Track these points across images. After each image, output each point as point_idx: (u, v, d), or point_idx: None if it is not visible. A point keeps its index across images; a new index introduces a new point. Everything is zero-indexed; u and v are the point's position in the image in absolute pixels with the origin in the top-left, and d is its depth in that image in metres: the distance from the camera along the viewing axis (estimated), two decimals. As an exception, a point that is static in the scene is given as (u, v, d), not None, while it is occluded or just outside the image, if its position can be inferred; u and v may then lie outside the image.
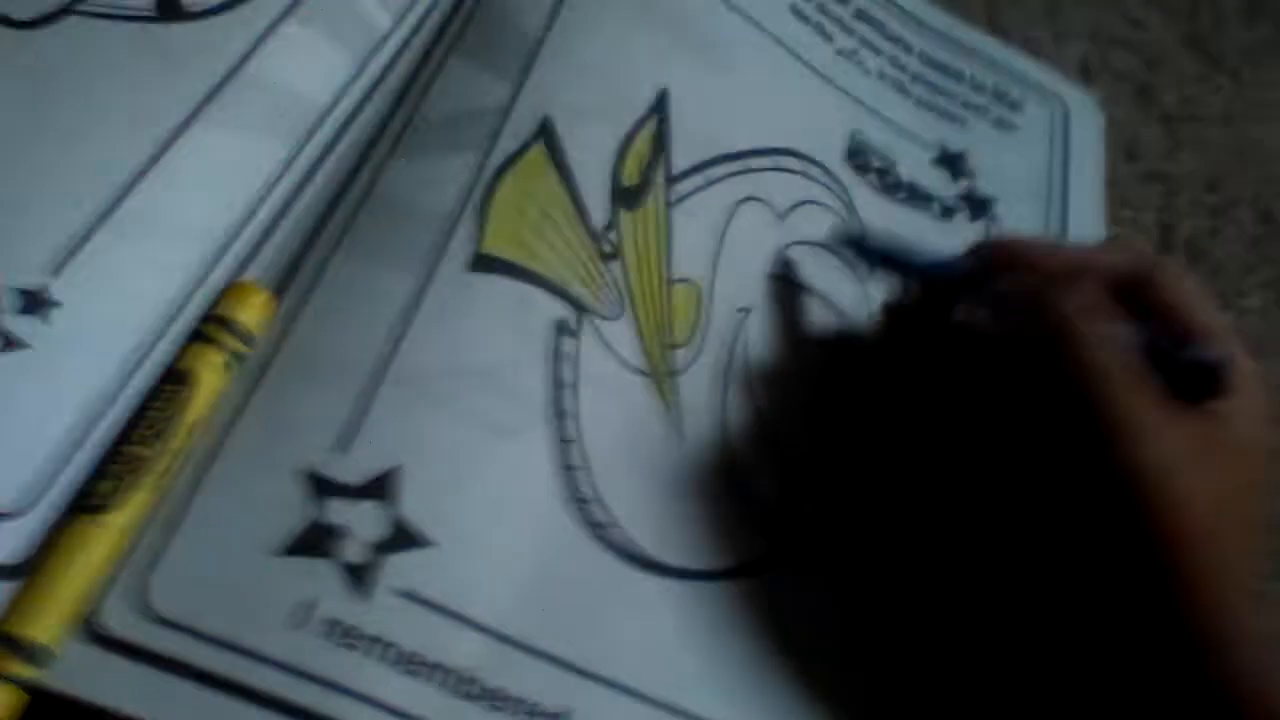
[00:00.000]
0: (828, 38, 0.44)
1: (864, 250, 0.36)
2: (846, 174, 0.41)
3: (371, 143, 0.33)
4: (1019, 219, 0.43)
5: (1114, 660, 0.27)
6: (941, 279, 0.34)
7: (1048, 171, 0.44)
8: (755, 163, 0.39)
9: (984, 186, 0.43)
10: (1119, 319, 0.28)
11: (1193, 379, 0.28)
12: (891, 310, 0.36)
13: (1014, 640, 0.30)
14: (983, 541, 0.31)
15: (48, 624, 0.23)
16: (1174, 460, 0.26)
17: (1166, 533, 0.26)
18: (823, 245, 0.38)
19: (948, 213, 0.42)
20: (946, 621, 0.31)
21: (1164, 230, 0.44)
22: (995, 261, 0.33)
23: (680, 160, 0.37)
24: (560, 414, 0.31)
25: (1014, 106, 0.46)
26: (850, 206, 0.40)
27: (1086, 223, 0.43)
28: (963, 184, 0.43)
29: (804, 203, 0.39)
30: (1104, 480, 0.27)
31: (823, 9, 0.44)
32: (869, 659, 0.30)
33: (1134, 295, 0.29)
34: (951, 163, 0.43)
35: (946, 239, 0.40)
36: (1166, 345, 0.28)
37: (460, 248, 0.32)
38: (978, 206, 0.42)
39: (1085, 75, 0.49)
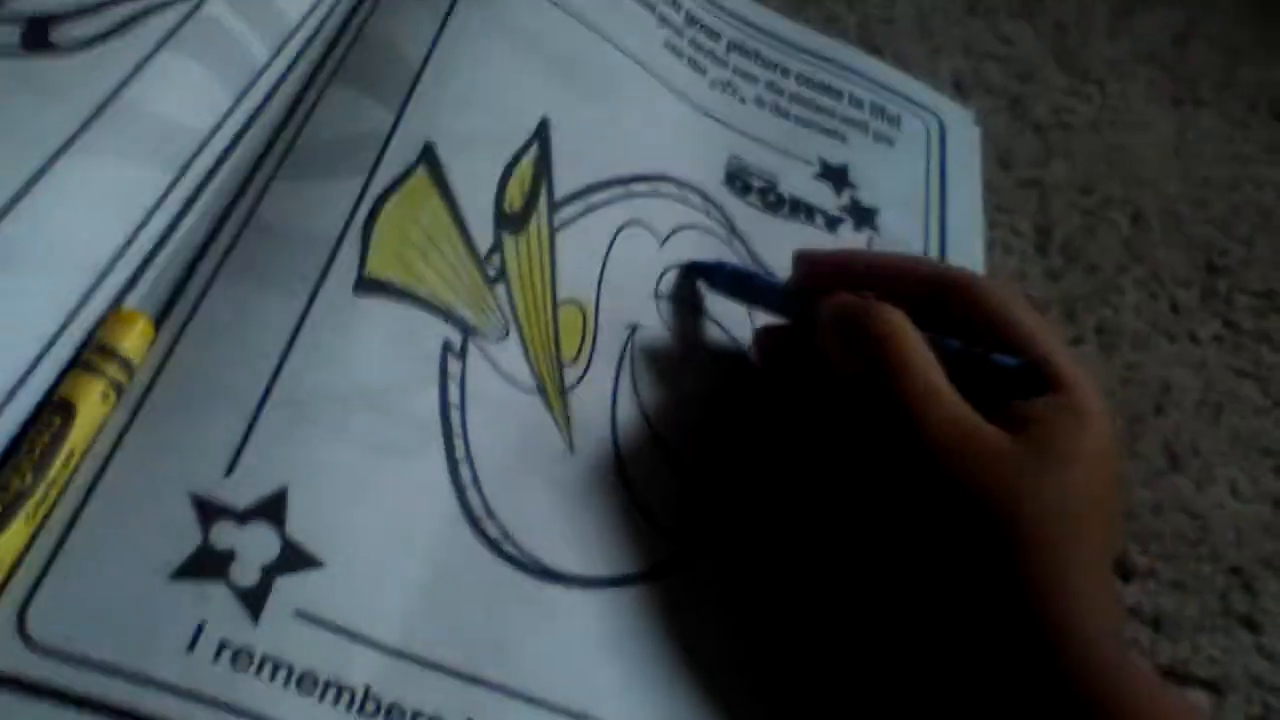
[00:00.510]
0: (701, 71, 0.46)
1: (711, 281, 0.38)
2: (726, 197, 0.42)
3: (253, 169, 0.34)
4: (901, 228, 0.44)
5: (973, 657, 0.27)
6: (775, 300, 0.36)
7: (925, 182, 0.46)
8: (635, 188, 0.40)
9: (867, 197, 0.45)
10: (928, 334, 0.30)
11: (1009, 380, 0.29)
12: (761, 335, 0.37)
13: (893, 640, 0.31)
14: (857, 544, 0.32)
15: (-79, 660, 0.22)
16: (989, 463, 0.27)
17: (1006, 538, 0.26)
18: (709, 272, 0.39)
19: (833, 224, 0.43)
20: (837, 620, 0.32)
21: (1041, 233, 0.46)
22: (800, 277, 0.35)
23: (563, 186, 0.38)
24: (449, 434, 0.31)
25: (892, 121, 0.48)
26: (731, 228, 0.41)
27: (964, 229, 0.46)
28: (846, 196, 0.45)
29: (684, 227, 0.40)
30: (936, 493, 0.27)
31: (695, 44, 0.46)
32: (769, 659, 0.31)
33: (944, 304, 0.31)
34: (834, 176, 0.45)
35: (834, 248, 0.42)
36: (978, 352, 0.29)
37: (344, 271, 0.32)
38: (862, 216, 0.44)
39: (959, 90, 0.51)
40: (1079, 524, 0.27)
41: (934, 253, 0.44)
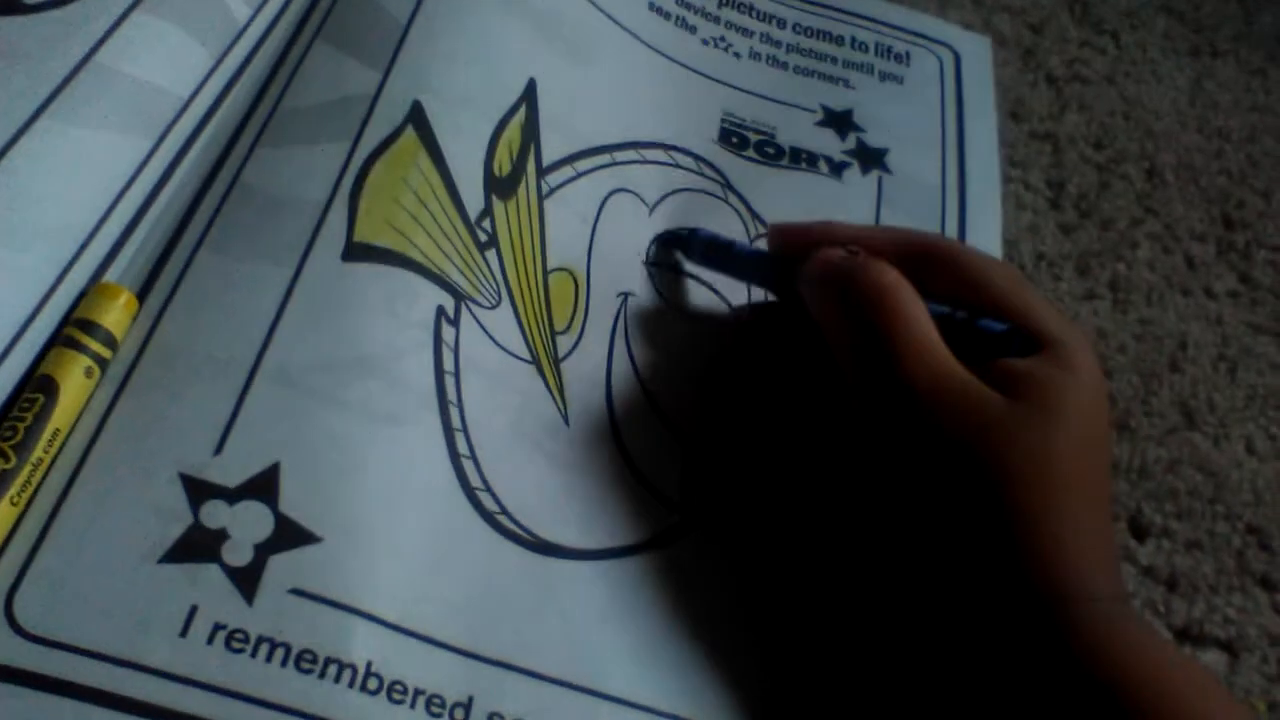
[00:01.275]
0: (690, 30, 0.45)
1: (687, 251, 0.37)
2: (720, 155, 0.41)
3: (235, 134, 0.33)
4: (914, 165, 0.43)
5: (968, 615, 0.27)
6: (755, 268, 0.35)
7: (940, 117, 0.45)
8: (621, 155, 0.39)
9: (874, 139, 0.44)
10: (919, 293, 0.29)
11: (997, 342, 0.29)
12: (756, 309, 0.37)
13: (892, 601, 0.31)
14: (856, 507, 0.32)
15: (-94, 650, 0.22)
16: (980, 420, 0.27)
17: (998, 494, 0.26)
18: (681, 241, 0.38)
19: (837, 169, 0.42)
20: (837, 584, 0.32)
21: (1054, 187, 0.45)
22: (772, 245, 0.34)
23: (550, 152, 0.37)
24: (445, 402, 0.30)
25: (900, 59, 0.47)
26: (726, 185, 0.40)
27: (982, 161, 0.44)
28: (852, 139, 0.43)
29: (673, 191, 0.39)
30: (928, 449, 0.27)
31: (684, 3, 0.45)
32: (771, 624, 0.30)
33: (926, 273, 0.30)
34: (837, 121, 0.44)
35: (841, 194, 0.41)
36: (964, 316, 0.29)
37: (332, 237, 0.31)
38: (869, 158, 0.43)
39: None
40: (1070, 478, 0.27)
41: (952, 187, 0.43)
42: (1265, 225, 0.46)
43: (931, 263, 0.31)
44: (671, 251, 0.37)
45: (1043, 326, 0.29)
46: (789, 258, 0.33)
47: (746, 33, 0.46)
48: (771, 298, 0.36)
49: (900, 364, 0.28)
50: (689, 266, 0.37)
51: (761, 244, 0.39)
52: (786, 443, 0.34)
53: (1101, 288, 0.42)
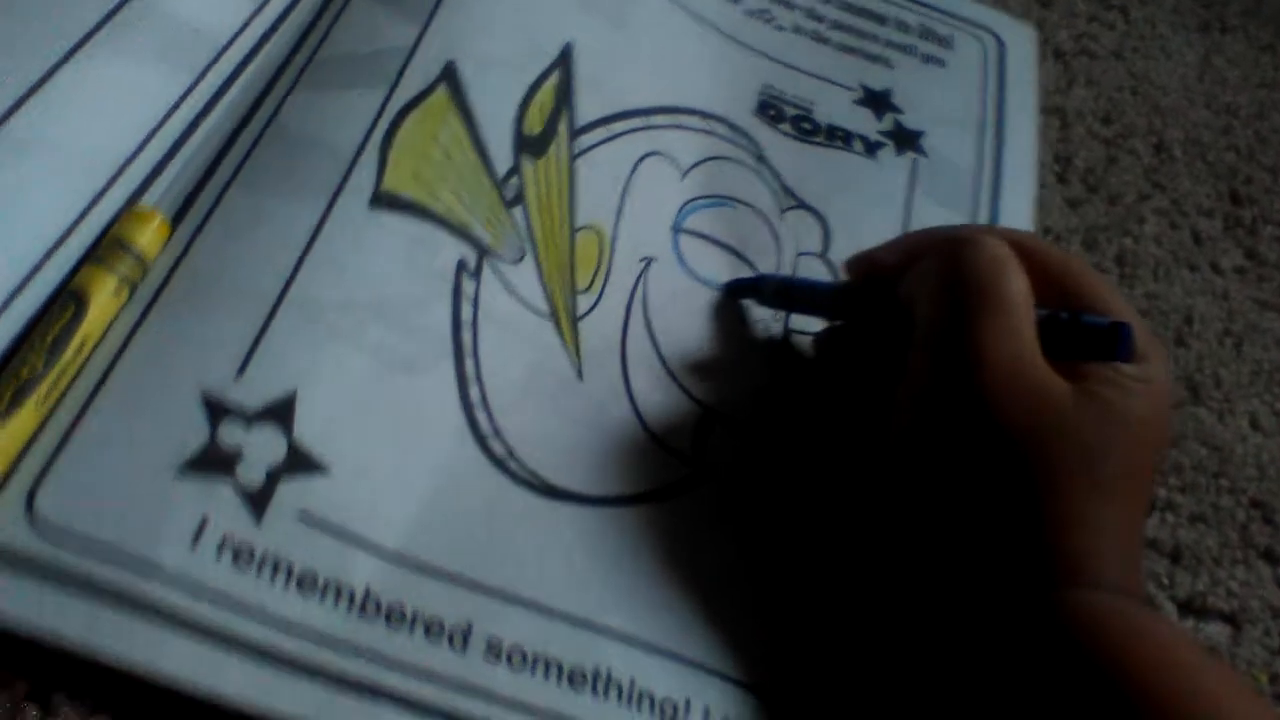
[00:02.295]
0: (734, 0, 0.45)
1: (761, 296, 0.36)
2: (756, 127, 0.41)
3: (274, 78, 0.33)
4: (951, 148, 0.43)
5: (979, 590, 0.27)
6: (828, 302, 0.35)
7: (981, 101, 0.45)
8: (657, 120, 0.39)
9: (912, 120, 0.44)
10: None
11: (1094, 341, 0.28)
12: (822, 339, 0.36)
13: (902, 568, 0.31)
14: (874, 476, 0.32)
15: (-72, 533, 0.22)
16: (1042, 403, 0.27)
17: (1036, 474, 0.26)
18: (725, 199, 0.38)
19: (872, 149, 0.42)
20: (845, 548, 0.32)
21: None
22: (851, 271, 0.34)
23: (584, 114, 0.38)
24: (460, 352, 0.31)
25: (943, 42, 0.47)
26: (759, 157, 0.41)
27: (1021, 149, 0.44)
28: (889, 120, 0.44)
29: (707, 159, 0.40)
30: (978, 418, 0.27)
31: None
32: (772, 581, 0.31)
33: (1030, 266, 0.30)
34: (875, 101, 0.44)
35: (874, 174, 0.42)
36: (1067, 317, 0.28)
37: (361, 184, 0.32)
38: (904, 140, 0.43)
39: None
40: (1114, 482, 0.27)
41: (987, 174, 0.43)
42: (1273, 201, 0.46)
43: (1035, 262, 0.30)
44: (737, 299, 0.37)
45: (1140, 335, 0.29)
46: (878, 279, 0.32)
47: (790, 6, 0.46)
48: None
49: (992, 335, 0.27)
50: (725, 237, 0.38)
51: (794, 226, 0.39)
52: (800, 412, 0.35)
53: (1108, 262, 0.42)
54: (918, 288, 0.30)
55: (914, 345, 0.30)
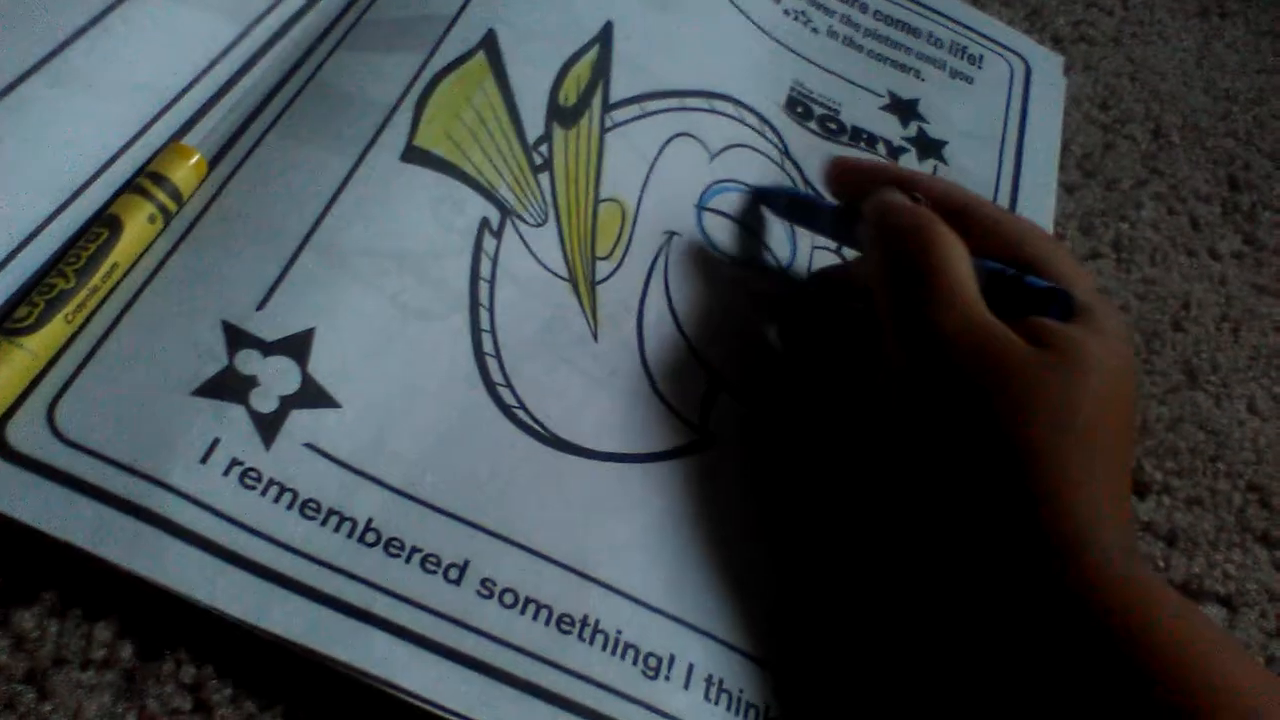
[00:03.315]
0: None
1: (772, 203, 0.39)
2: (785, 121, 0.42)
3: (320, 36, 0.35)
4: (971, 161, 0.44)
5: (981, 567, 0.27)
6: (826, 221, 0.36)
7: (1003, 120, 0.46)
8: (691, 102, 0.40)
9: (936, 130, 0.45)
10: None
11: (1038, 300, 0.29)
12: (816, 278, 0.38)
13: (903, 544, 0.31)
14: (874, 450, 0.33)
15: (-45, 429, 0.24)
16: (1011, 367, 0.27)
17: (1007, 438, 0.26)
18: (749, 187, 0.39)
19: (895, 153, 0.43)
20: (847, 518, 0.32)
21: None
22: (829, 176, 0.35)
23: (619, 90, 0.39)
24: (476, 304, 0.32)
25: (974, 60, 0.48)
26: (785, 151, 0.41)
27: (1040, 168, 0.45)
28: (914, 127, 0.44)
29: (736, 145, 0.40)
30: (947, 385, 0.28)
31: None
32: (771, 546, 0.31)
33: (967, 231, 0.31)
34: (902, 108, 0.45)
35: None
36: (1012, 273, 0.30)
37: (393, 138, 0.33)
38: (927, 147, 0.44)
39: (976, 2, 0.51)
40: (1092, 435, 0.27)
41: (1006, 188, 0.44)
42: (1271, 187, 0.46)
43: (976, 221, 0.31)
44: (756, 204, 0.39)
45: (1080, 293, 0.29)
46: (855, 207, 0.34)
47: (828, 11, 0.47)
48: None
49: (932, 305, 0.28)
50: (748, 217, 0.39)
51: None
52: (810, 389, 0.35)
53: (1105, 247, 0.42)
54: (871, 248, 0.32)
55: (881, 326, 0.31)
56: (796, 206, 0.38)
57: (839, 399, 0.35)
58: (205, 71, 0.31)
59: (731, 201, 0.39)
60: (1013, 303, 0.29)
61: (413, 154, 0.33)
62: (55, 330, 0.26)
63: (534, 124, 0.36)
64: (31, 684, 0.24)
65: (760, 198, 0.39)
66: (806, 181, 0.41)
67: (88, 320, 0.27)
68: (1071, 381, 0.27)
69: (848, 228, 0.35)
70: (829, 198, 0.37)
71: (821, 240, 0.39)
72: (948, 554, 0.28)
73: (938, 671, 0.29)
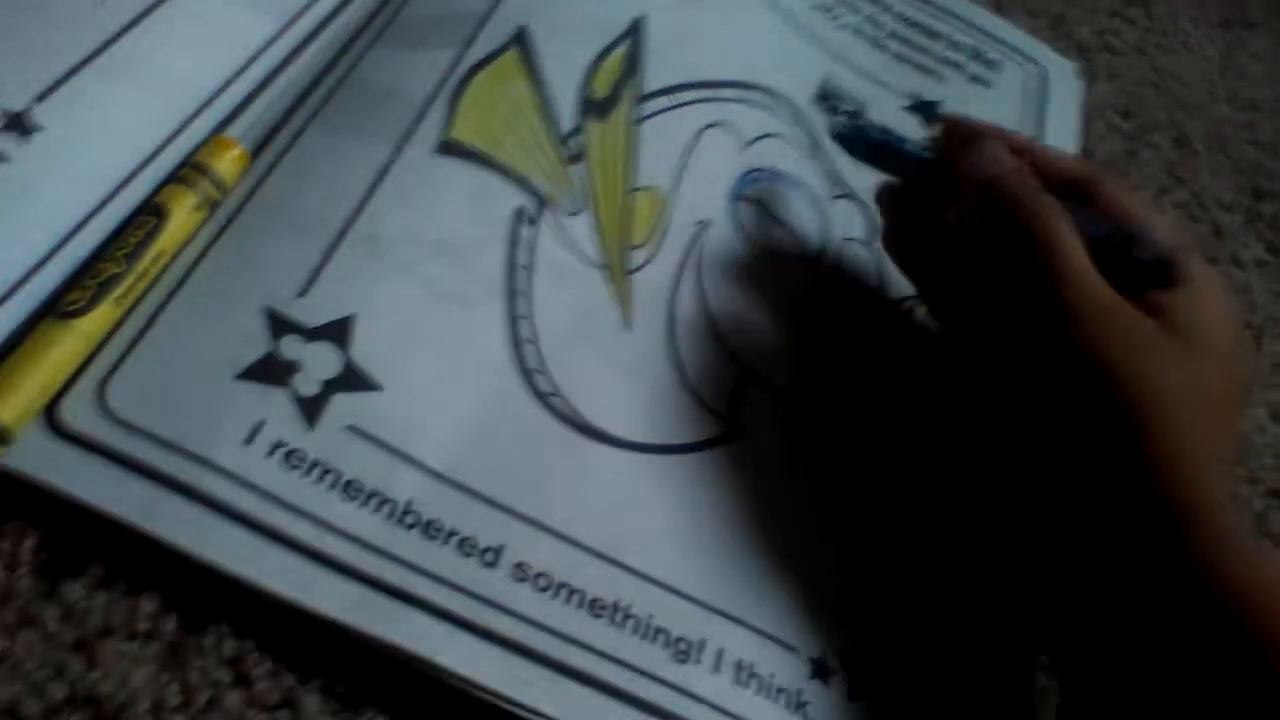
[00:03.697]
0: (802, -5, 0.47)
1: (857, 141, 0.37)
2: (814, 114, 0.43)
3: (357, 33, 0.35)
4: None
5: (1088, 536, 0.28)
6: (919, 166, 0.36)
7: (1019, 126, 0.46)
8: (724, 93, 0.41)
9: None
10: (1077, 210, 0.30)
11: (1146, 272, 0.29)
12: (884, 195, 0.37)
13: (993, 519, 0.32)
14: (959, 416, 0.33)
15: (11, 406, 0.25)
16: (1133, 343, 0.27)
17: (1130, 412, 0.27)
18: (782, 174, 0.39)
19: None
20: (922, 502, 0.33)
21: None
22: (947, 138, 0.34)
23: (652, 81, 0.39)
24: (513, 292, 0.32)
25: (992, 66, 0.49)
26: (816, 144, 0.42)
27: None
28: (935, 128, 0.45)
29: (769, 135, 0.41)
30: (1067, 361, 0.28)
31: None
32: (796, 536, 0.32)
33: (1078, 195, 0.31)
34: (925, 110, 0.45)
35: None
36: (1120, 239, 0.29)
37: (429, 131, 0.34)
38: None
39: (999, 9, 0.51)
40: (1208, 413, 0.27)
41: None
42: None
43: (1088, 188, 0.31)
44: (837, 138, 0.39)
45: (1190, 264, 0.30)
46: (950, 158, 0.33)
47: (854, 9, 0.48)
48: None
49: (1056, 284, 0.28)
50: (781, 208, 0.39)
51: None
52: (840, 384, 0.35)
53: None
54: (969, 211, 0.31)
55: (982, 295, 0.31)
56: (882, 150, 0.37)
57: (876, 389, 0.35)
58: (246, 67, 0.32)
59: (764, 191, 0.39)
60: (1122, 270, 0.29)
61: (448, 147, 0.34)
62: (105, 313, 0.27)
63: (567, 117, 0.36)
64: (80, 652, 0.24)
65: (842, 135, 0.38)
66: (836, 175, 0.42)
67: (136, 304, 0.28)
68: (1198, 365, 0.27)
69: (938, 177, 0.34)
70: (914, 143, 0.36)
71: (854, 232, 0.40)
72: (1056, 528, 0.29)
73: (994, 649, 0.29)
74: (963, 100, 0.46)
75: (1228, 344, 0.29)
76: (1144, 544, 0.26)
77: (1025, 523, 0.30)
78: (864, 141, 0.37)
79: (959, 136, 0.34)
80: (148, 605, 0.25)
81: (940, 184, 0.34)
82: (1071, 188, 0.31)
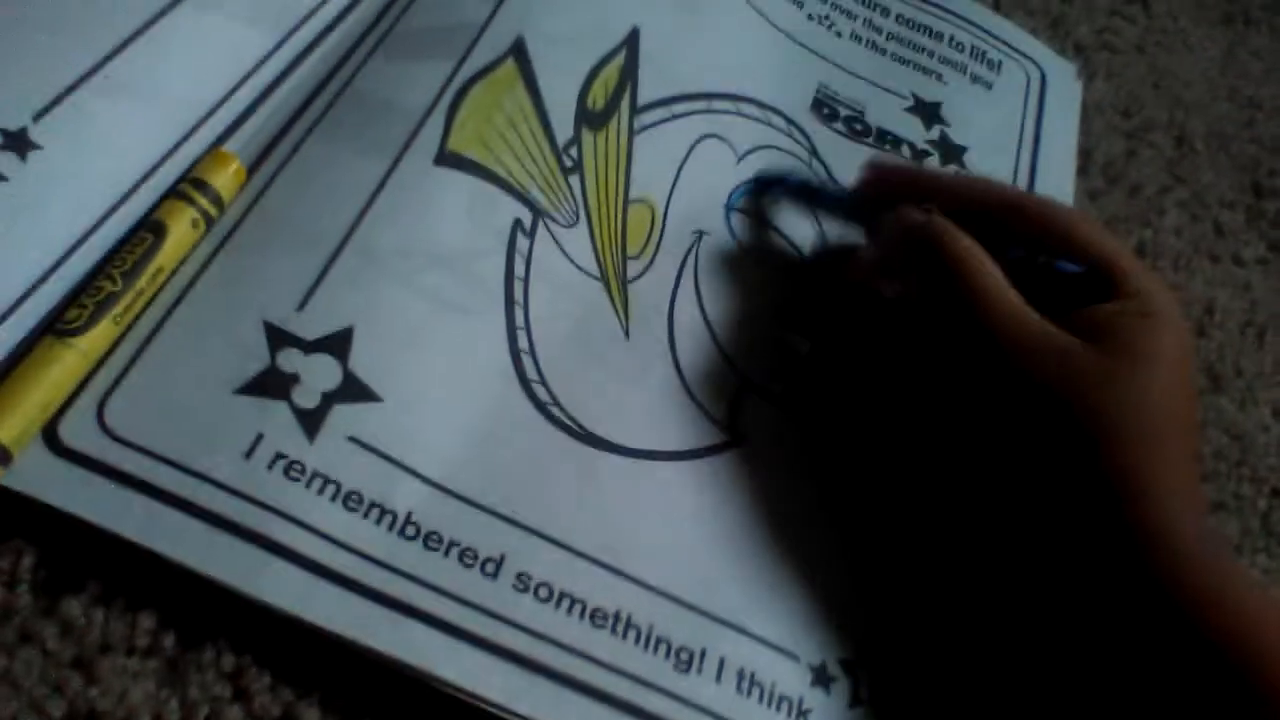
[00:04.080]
0: (798, 4, 0.47)
1: (785, 188, 0.39)
2: (811, 122, 0.43)
3: (354, 45, 0.36)
4: (990, 167, 0.45)
5: (1060, 554, 0.28)
6: (842, 207, 0.37)
7: (1020, 127, 0.46)
8: (718, 105, 0.41)
9: (958, 135, 0.45)
10: (1002, 245, 0.30)
11: (1076, 285, 0.29)
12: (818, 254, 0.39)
13: (961, 544, 0.32)
14: (925, 452, 0.33)
15: (10, 426, 0.25)
16: (1070, 368, 0.27)
17: (1091, 437, 0.27)
18: (777, 182, 0.39)
19: (918, 156, 0.44)
20: (882, 524, 0.33)
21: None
22: (867, 184, 0.35)
23: (646, 93, 0.39)
24: (511, 302, 0.33)
25: (992, 66, 0.48)
26: (812, 151, 0.42)
27: (1055, 175, 0.45)
28: (936, 131, 0.45)
29: (763, 147, 0.41)
30: (1012, 394, 0.28)
31: None
32: (796, 544, 0.32)
33: (1008, 223, 0.31)
34: (925, 111, 0.45)
35: None
36: (1042, 260, 0.30)
37: (427, 143, 0.34)
38: (950, 152, 0.44)
39: (997, 8, 0.51)
40: (1162, 423, 0.27)
41: None
42: None
43: (1015, 213, 0.32)
44: (763, 191, 0.39)
45: (1124, 272, 0.30)
46: (874, 199, 0.35)
47: (850, 15, 0.48)
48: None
49: (982, 316, 0.29)
50: (775, 218, 0.39)
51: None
52: (838, 391, 0.35)
53: None
54: (892, 258, 0.33)
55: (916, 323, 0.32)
56: (808, 193, 0.38)
57: (871, 398, 0.35)
58: (243, 81, 0.32)
59: (758, 202, 0.39)
60: (1053, 291, 0.29)
61: (446, 158, 0.34)
62: (104, 331, 0.27)
63: (563, 127, 0.37)
64: (79, 669, 0.24)
65: (769, 183, 0.39)
66: (834, 181, 0.42)
67: (135, 322, 0.28)
68: (1138, 380, 0.27)
69: (861, 212, 0.36)
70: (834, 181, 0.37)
71: (848, 239, 0.40)
72: (1024, 547, 0.29)
73: (993, 659, 0.30)
74: (965, 102, 0.46)
75: (1176, 359, 0.28)
76: (1105, 562, 0.26)
77: (998, 547, 0.30)
78: (784, 184, 0.38)
79: (878, 174, 0.35)
80: (146, 622, 0.25)
81: (865, 217, 0.35)
82: (998, 212, 0.31)
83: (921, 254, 0.31)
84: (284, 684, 0.26)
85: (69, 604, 0.25)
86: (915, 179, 0.35)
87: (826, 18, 0.47)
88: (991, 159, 0.45)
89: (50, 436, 0.26)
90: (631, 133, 0.38)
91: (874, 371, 0.36)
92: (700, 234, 0.37)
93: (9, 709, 0.23)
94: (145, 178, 0.29)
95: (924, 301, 0.32)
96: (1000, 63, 0.49)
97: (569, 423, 0.31)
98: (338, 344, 0.29)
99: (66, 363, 0.26)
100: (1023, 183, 0.45)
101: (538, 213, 0.34)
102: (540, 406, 0.31)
